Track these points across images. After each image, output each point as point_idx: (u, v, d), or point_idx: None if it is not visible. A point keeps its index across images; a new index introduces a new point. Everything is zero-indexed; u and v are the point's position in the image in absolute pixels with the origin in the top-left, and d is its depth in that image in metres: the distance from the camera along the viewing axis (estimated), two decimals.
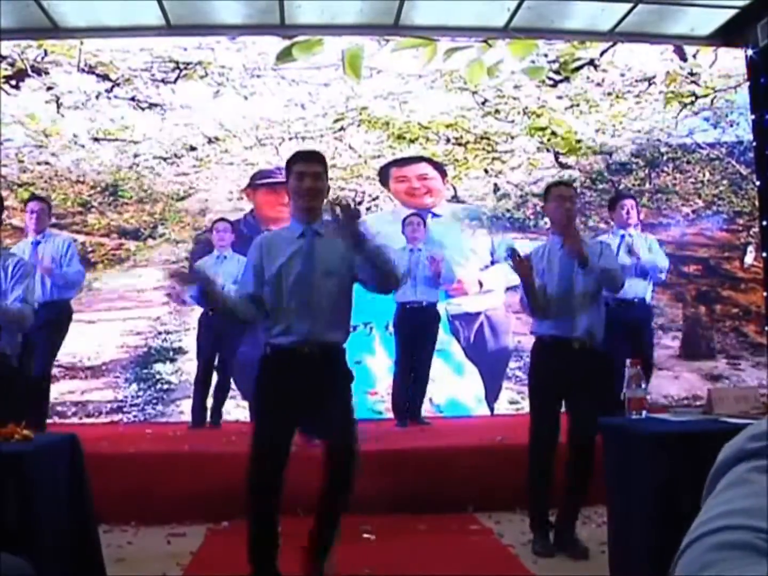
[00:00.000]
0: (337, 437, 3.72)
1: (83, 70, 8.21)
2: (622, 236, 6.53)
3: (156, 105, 8.45)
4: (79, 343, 7.98)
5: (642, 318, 6.53)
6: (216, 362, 7.34)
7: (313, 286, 3.68)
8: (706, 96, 8.81)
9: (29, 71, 8.18)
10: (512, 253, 4.51)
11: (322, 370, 3.68)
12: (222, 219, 7.69)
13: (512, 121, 8.94)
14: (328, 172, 3.86)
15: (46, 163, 8.52)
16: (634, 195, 7.35)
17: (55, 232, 6.95)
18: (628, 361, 3.58)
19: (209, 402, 7.40)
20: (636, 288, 6.33)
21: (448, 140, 9.00)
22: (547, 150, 8.94)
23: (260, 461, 3.70)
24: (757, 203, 8.54)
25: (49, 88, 8.30)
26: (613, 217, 6.71)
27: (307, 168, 3.71)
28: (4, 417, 3.42)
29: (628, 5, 6.89)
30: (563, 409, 4.67)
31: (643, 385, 3.49)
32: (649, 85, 8.87)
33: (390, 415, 7.51)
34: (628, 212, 6.53)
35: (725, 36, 7.32)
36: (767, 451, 0.78)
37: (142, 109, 8.44)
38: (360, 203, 8.72)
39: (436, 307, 7.27)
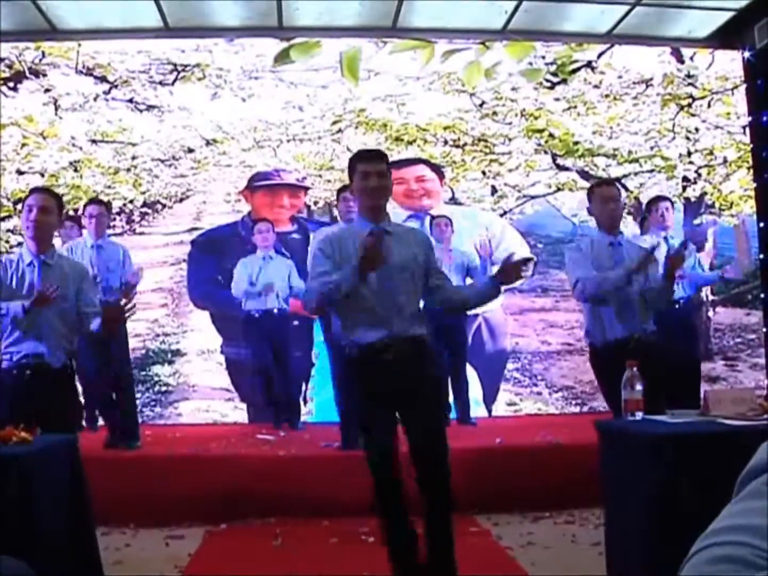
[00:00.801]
0: (425, 439, 3.72)
1: (81, 72, 8.22)
2: (665, 238, 6.35)
3: (154, 107, 8.46)
4: None
5: (689, 318, 6.51)
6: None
7: (392, 282, 3.70)
8: (703, 98, 8.82)
9: (27, 73, 8.18)
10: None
11: (409, 365, 3.69)
12: (264, 219, 7.61)
13: (510, 123, 8.96)
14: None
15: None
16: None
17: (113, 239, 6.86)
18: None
19: None
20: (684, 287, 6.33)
21: (445, 142, 9.02)
22: (545, 152, 8.96)
23: (381, 466, 3.69)
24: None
25: (47, 90, 8.31)
26: (649, 218, 6.62)
27: (372, 167, 3.73)
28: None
29: (626, 7, 6.88)
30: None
31: (639, 387, 3.50)
32: (647, 87, 8.88)
33: None
34: (663, 215, 6.44)
35: (722, 38, 7.31)
36: None
37: (140, 111, 8.45)
38: None
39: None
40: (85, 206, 6.68)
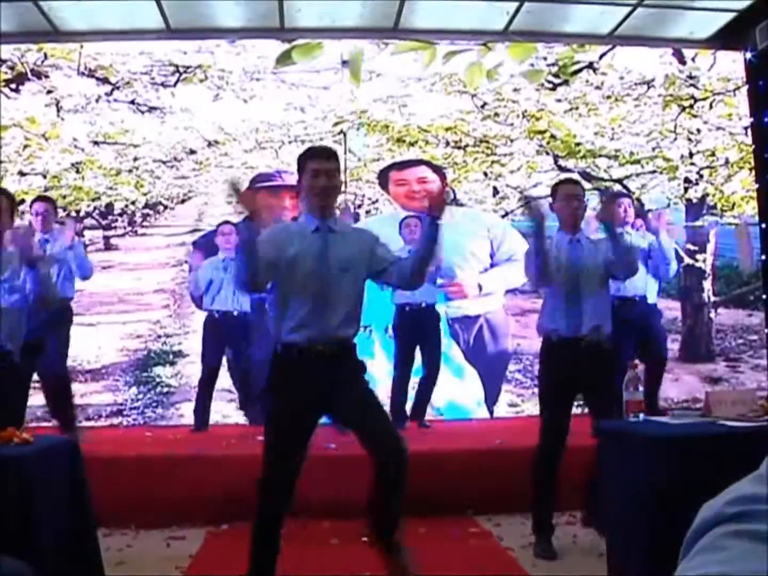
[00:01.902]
0: (381, 435, 3.68)
1: (83, 74, 8.23)
2: (620, 234, 6.48)
3: (156, 108, 8.47)
4: (79, 346, 7.98)
5: (646, 316, 6.52)
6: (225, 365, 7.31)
7: (328, 282, 3.65)
8: (704, 99, 8.82)
9: (29, 75, 8.19)
10: (527, 201, 4.54)
11: (335, 366, 3.66)
12: (227, 222, 7.69)
13: (511, 125, 8.96)
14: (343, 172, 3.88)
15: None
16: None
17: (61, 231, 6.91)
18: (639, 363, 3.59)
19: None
20: (636, 285, 6.31)
21: (447, 143, 9.02)
22: (547, 153, 8.96)
23: (274, 464, 3.67)
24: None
25: (49, 92, 8.32)
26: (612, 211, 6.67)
27: (322, 165, 3.68)
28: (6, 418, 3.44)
29: (628, 9, 6.88)
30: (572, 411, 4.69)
31: (641, 388, 3.50)
32: (648, 88, 8.88)
33: None
34: (625, 210, 6.54)
35: (724, 39, 7.31)
36: (746, 515, 0.78)
37: (142, 112, 8.46)
38: (359, 206, 8.74)
39: (435, 308, 7.25)
40: (31, 203, 6.76)
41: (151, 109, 8.48)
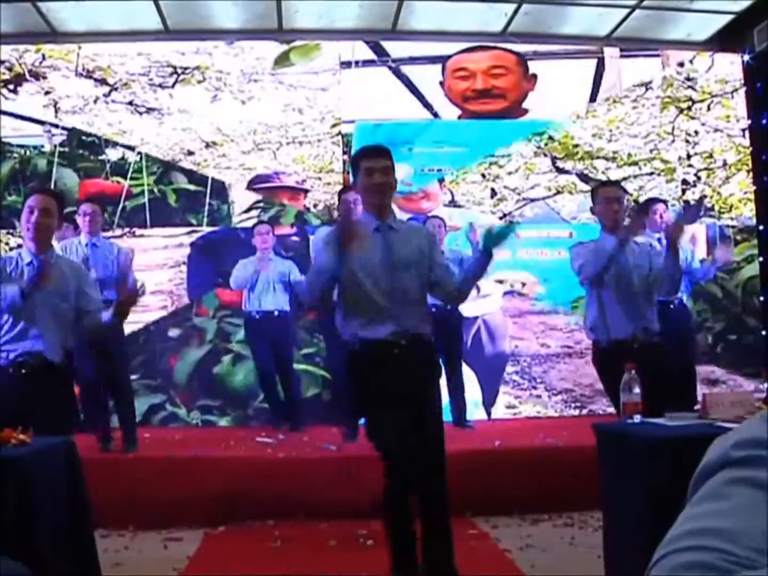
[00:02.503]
0: (428, 443, 3.69)
1: (81, 75, 8.22)
2: (659, 240, 6.46)
3: (153, 109, 8.46)
4: None
5: (679, 321, 6.52)
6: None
7: (397, 279, 3.70)
8: (702, 101, 8.82)
9: (27, 75, 8.19)
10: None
11: (416, 363, 3.69)
12: (262, 221, 7.69)
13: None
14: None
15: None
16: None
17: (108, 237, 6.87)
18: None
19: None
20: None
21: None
22: (545, 155, 8.95)
23: (395, 461, 3.63)
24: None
25: (47, 93, 8.31)
26: (645, 220, 6.65)
27: (376, 164, 3.73)
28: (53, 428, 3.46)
29: (626, 11, 6.92)
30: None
31: (637, 390, 3.50)
32: (646, 90, 8.89)
33: None
34: (661, 216, 6.52)
35: (722, 41, 7.35)
36: (749, 460, 0.78)
37: (140, 113, 8.45)
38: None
39: (458, 309, 7.19)
40: (79, 205, 6.70)
41: (149, 110, 8.47)
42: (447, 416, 7.12)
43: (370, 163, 3.75)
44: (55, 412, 3.84)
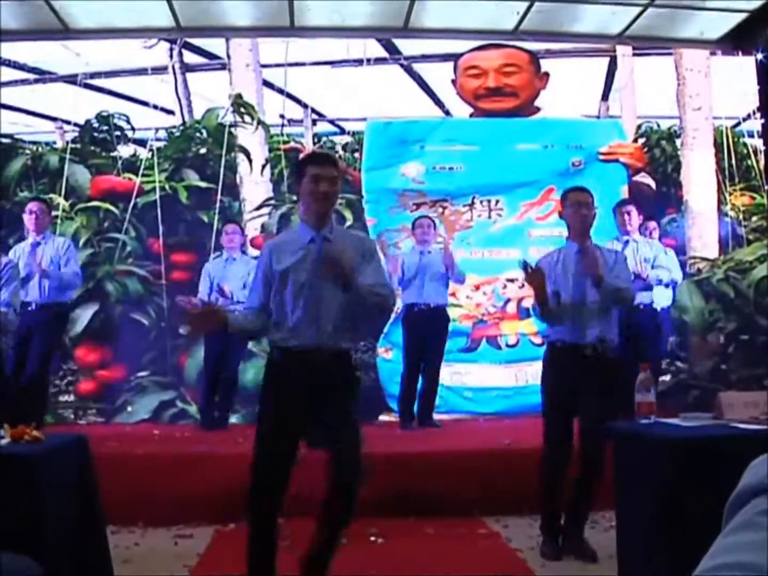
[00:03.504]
0: (341, 450, 3.64)
1: None
2: (626, 242, 6.56)
3: None
4: None
5: (644, 323, 6.52)
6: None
7: (322, 292, 3.62)
8: None
9: None
10: (525, 265, 4.51)
11: (329, 375, 3.62)
12: (231, 221, 7.72)
13: None
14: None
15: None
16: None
17: (55, 234, 6.95)
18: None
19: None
20: (640, 295, 6.34)
21: None
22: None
23: (264, 465, 3.67)
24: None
25: None
26: (617, 222, 6.71)
27: (323, 171, 3.62)
28: None
29: (638, 9, 6.86)
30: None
31: (652, 390, 3.49)
32: None
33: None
34: (632, 217, 6.57)
35: (735, 40, 7.28)
36: None
37: None
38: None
39: (445, 309, 7.27)
40: (26, 203, 6.80)
41: None
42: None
43: (317, 170, 3.62)
44: None
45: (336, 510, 3.67)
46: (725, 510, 0.79)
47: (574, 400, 4.54)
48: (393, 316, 7.93)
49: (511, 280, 8.41)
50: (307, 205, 3.71)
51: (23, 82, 9.73)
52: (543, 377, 4.84)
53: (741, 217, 8.99)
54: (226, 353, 7.22)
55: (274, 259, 3.69)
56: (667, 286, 6.86)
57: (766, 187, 8.50)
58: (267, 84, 9.49)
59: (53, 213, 7.96)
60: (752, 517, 0.75)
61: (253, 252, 7.74)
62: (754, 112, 8.99)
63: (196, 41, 9.63)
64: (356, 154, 9.17)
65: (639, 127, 9.42)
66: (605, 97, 9.98)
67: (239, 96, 8.93)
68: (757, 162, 9.06)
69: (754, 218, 9.11)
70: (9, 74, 9.47)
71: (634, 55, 9.39)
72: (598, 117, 9.66)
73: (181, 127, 9.27)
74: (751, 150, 9.33)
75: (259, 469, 3.68)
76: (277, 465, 3.66)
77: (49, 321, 6.40)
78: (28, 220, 6.50)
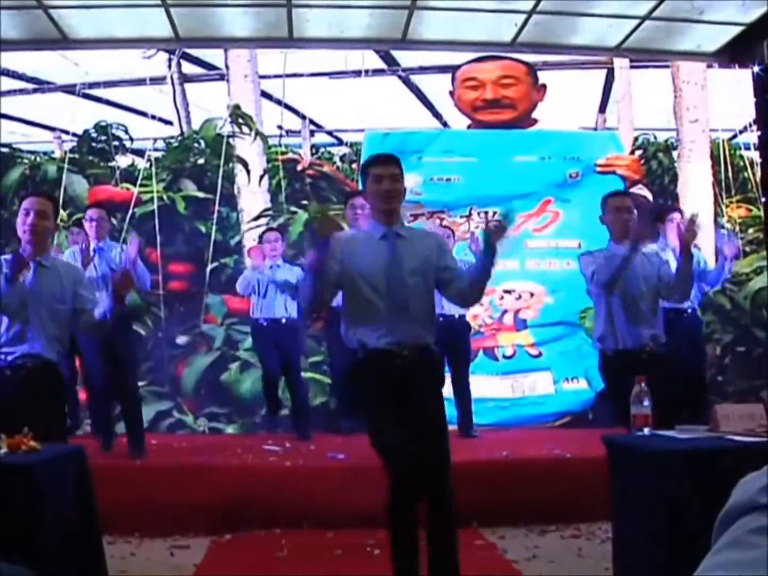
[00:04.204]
0: (431, 452, 3.66)
1: None
2: (673, 249, 6.40)
3: None
4: None
5: (682, 331, 6.45)
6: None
7: (403, 287, 3.68)
8: None
9: None
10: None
11: (418, 372, 3.66)
12: (271, 228, 7.69)
13: None
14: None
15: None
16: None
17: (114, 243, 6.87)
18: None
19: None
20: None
21: None
22: None
23: (399, 467, 3.56)
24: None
25: None
26: (660, 228, 6.58)
27: (385, 170, 3.73)
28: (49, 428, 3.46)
29: (636, 21, 6.90)
30: None
31: (646, 402, 3.49)
32: None
33: None
34: (678, 226, 6.48)
35: (732, 53, 7.32)
36: None
37: None
38: None
39: (465, 318, 7.23)
40: (86, 210, 6.75)
41: None
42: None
43: (379, 169, 3.75)
44: (49, 414, 3.86)
45: (438, 519, 3.67)
46: (714, 527, 0.79)
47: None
48: None
49: (508, 292, 8.43)
50: (373, 205, 3.83)
51: (22, 91, 9.73)
52: (608, 387, 4.92)
53: (737, 229, 9.00)
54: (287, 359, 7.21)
55: (346, 252, 3.71)
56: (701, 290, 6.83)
57: (762, 200, 8.52)
58: (265, 95, 9.49)
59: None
60: (741, 536, 0.75)
61: (248, 262, 7.70)
62: (750, 125, 9.03)
63: (195, 52, 9.63)
64: (354, 165, 9.17)
65: (636, 139, 9.43)
66: (602, 109, 9.98)
67: (237, 107, 8.95)
68: (754, 174, 9.07)
69: (751, 230, 9.12)
70: (8, 84, 9.46)
71: (632, 67, 9.41)
72: (595, 129, 9.65)
73: (180, 138, 9.27)
74: (747, 162, 9.33)
75: (400, 473, 3.56)
76: (412, 461, 3.57)
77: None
78: (88, 227, 6.40)
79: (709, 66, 8.72)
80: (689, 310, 6.39)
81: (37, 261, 4.06)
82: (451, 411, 8.01)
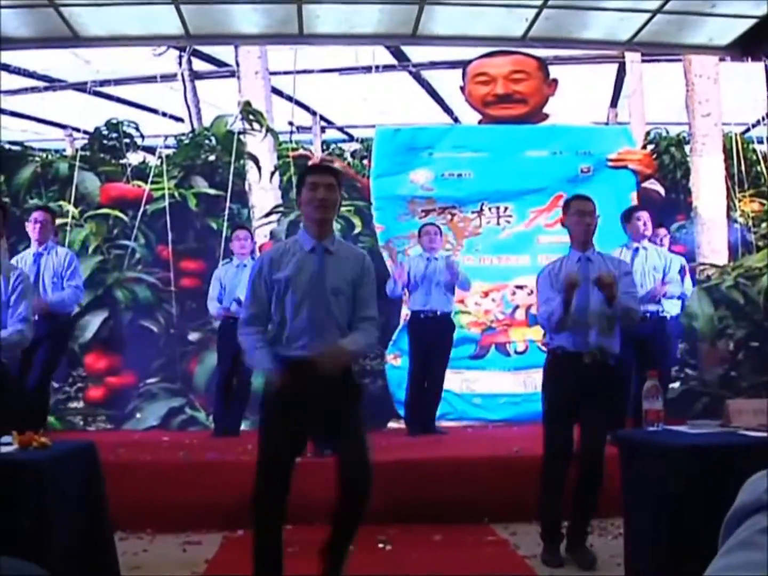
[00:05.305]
0: (350, 453, 3.69)
1: None
2: (636, 249, 6.52)
3: None
4: None
5: (652, 332, 6.43)
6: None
7: (322, 302, 3.65)
8: None
9: None
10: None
11: (331, 384, 3.61)
12: (241, 227, 7.69)
13: None
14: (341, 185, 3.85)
15: None
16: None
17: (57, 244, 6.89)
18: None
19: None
20: (647, 305, 6.30)
21: None
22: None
23: (267, 473, 3.73)
24: None
25: None
26: (627, 228, 6.63)
27: (321, 179, 3.68)
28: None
29: (647, 15, 6.87)
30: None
31: (660, 398, 3.48)
32: None
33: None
34: (645, 224, 6.52)
35: (744, 46, 7.29)
36: None
37: None
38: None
39: (450, 317, 7.27)
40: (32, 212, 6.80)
41: None
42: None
43: (314, 178, 3.70)
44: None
45: (347, 517, 3.78)
46: (722, 528, 0.79)
47: (574, 408, 4.52)
48: (401, 323, 7.96)
49: (520, 287, 8.41)
50: (307, 214, 3.77)
51: (33, 89, 9.76)
52: (544, 384, 4.79)
53: (750, 223, 8.96)
54: (239, 360, 7.22)
55: (273, 265, 3.71)
56: (679, 299, 6.83)
57: None
58: (276, 91, 9.49)
59: (63, 220, 8.00)
60: (751, 536, 0.74)
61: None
62: (763, 118, 8.99)
63: (205, 49, 9.64)
64: (365, 161, 9.16)
65: (648, 133, 9.40)
66: (614, 103, 9.95)
67: (248, 103, 8.96)
68: (767, 168, 9.03)
69: (764, 224, 9.07)
70: (19, 82, 9.50)
71: (643, 61, 9.37)
72: (606, 123, 9.61)
73: (190, 135, 9.28)
74: (760, 156, 9.29)
75: (265, 478, 3.77)
76: (284, 473, 3.76)
77: (53, 331, 6.37)
78: (32, 229, 6.47)
79: (722, 59, 8.68)
80: (648, 314, 6.31)
81: None
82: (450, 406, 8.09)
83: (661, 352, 6.55)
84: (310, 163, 8.23)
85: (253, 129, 8.96)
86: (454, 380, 7.72)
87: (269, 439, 3.74)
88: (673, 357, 7.27)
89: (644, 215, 6.56)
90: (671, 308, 6.71)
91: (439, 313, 7.11)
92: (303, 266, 3.68)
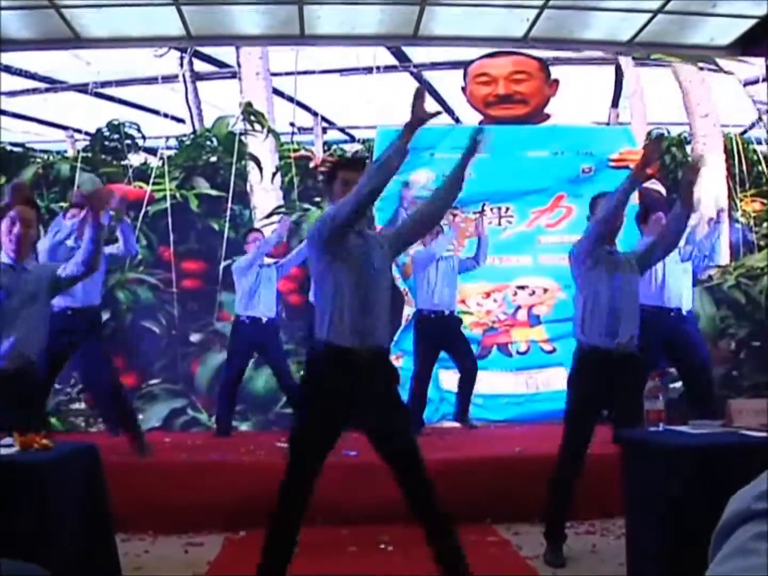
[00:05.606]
0: (403, 444, 3.72)
1: None
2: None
3: None
4: None
5: (677, 325, 6.40)
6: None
7: (374, 290, 3.66)
8: None
9: None
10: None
11: (376, 372, 3.65)
12: (254, 229, 7.69)
13: None
14: None
15: None
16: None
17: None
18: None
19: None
20: (671, 295, 6.25)
21: None
22: None
23: (298, 469, 3.65)
24: None
25: None
26: (644, 229, 6.55)
27: (353, 175, 3.69)
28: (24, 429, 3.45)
29: (648, 15, 6.86)
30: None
31: (661, 397, 3.48)
32: None
33: None
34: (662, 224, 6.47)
35: (745, 45, 7.28)
36: None
37: None
38: None
39: (455, 314, 7.29)
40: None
41: None
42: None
43: (347, 174, 3.74)
44: (23, 414, 3.87)
45: (430, 511, 3.81)
46: (712, 538, 0.78)
47: (600, 407, 4.54)
48: (404, 323, 7.95)
49: (522, 287, 8.41)
50: None
51: (34, 91, 9.77)
52: (572, 382, 4.75)
53: (752, 223, 8.95)
54: (248, 361, 7.28)
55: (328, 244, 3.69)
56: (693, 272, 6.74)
57: None
58: (277, 92, 9.50)
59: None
60: (745, 543, 0.74)
61: (267, 260, 7.68)
62: (759, 119, 8.99)
63: (207, 50, 9.65)
64: (367, 162, 9.17)
65: (649, 133, 9.40)
66: (615, 104, 9.94)
67: (249, 104, 8.96)
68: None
69: (765, 224, 9.07)
70: (20, 83, 9.51)
71: (636, 65, 9.38)
72: (608, 124, 9.61)
73: (192, 136, 9.29)
74: (761, 156, 9.29)
75: (295, 474, 3.66)
76: (312, 471, 3.67)
77: (96, 325, 6.48)
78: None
79: (701, 69, 8.68)
80: (674, 310, 6.29)
81: (21, 266, 4.12)
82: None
83: (693, 344, 6.49)
84: (311, 163, 8.25)
85: (254, 130, 8.96)
86: (455, 380, 7.71)
87: (311, 428, 3.68)
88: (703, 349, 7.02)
89: (661, 215, 6.49)
90: (686, 302, 6.60)
91: (447, 312, 7.13)
92: (353, 252, 3.66)
